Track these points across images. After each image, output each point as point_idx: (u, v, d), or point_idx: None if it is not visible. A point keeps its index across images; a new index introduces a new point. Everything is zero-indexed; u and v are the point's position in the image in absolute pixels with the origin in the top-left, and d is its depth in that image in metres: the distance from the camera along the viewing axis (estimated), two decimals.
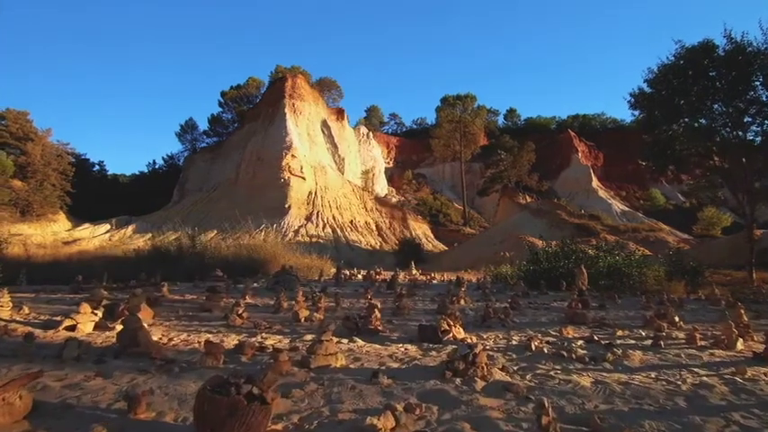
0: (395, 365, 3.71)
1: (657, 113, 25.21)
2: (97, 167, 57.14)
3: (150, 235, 35.50)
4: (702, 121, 24.58)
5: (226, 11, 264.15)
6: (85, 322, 5.74)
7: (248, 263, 17.39)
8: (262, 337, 5.01)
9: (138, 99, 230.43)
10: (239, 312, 6.41)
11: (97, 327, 5.79)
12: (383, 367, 3.63)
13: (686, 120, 24.75)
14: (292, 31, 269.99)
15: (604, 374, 3.53)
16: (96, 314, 6.02)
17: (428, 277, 19.91)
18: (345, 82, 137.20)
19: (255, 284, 13.45)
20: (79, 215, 43.43)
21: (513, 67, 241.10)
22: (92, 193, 47.58)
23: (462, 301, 9.26)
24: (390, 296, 10.20)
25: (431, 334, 4.68)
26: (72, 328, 5.65)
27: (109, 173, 60.28)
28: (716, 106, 24.06)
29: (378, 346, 4.53)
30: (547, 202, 46.62)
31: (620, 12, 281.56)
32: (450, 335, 4.68)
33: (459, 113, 61.85)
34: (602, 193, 63.72)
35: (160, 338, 4.95)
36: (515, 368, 3.65)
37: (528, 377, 3.40)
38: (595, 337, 4.85)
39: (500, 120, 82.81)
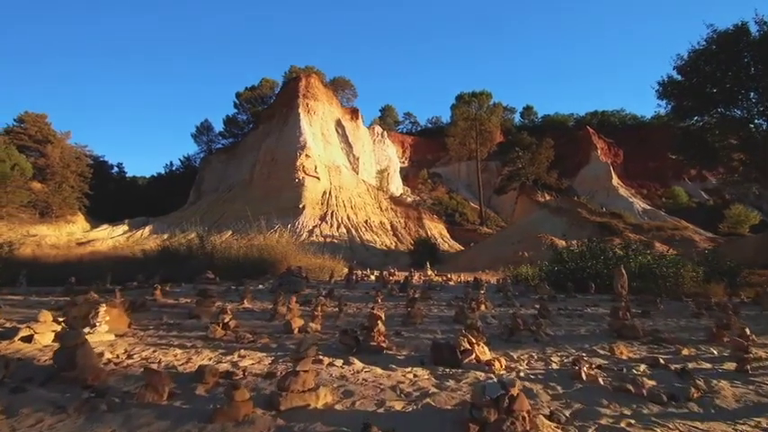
0: (398, 406, 2.69)
1: (687, 103, 23.75)
2: (116, 170, 58.05)
3: (167, 236, 35.38)
4: (737, 111, 23.01)
5: (240, 13, 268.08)
6: (44, 332, 4.93)
7: (259, 263, 16.75)
8: (239, 356, 4.05)
9: (156, 102, 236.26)
10: (225, 321, 5.50)
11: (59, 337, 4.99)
12: (381, 410, 2.62)
13: (720, 110, 23.20)
14: (306, 31, 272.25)
15: (699, 425, 2.42)
16: (60, 322, 5.24)
17: (444, 278, 18.89)
18: (359, 81, 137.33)
19: (261, 286, 12.69)
20: (98, 216, 43.89)
21: (528, 64, 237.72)
22: (110, 194, 48.16)
23: (483, 307, 8.22)
24: (403, 299, 9.23)
25: (447, 355, 3.68)
26: (29, 338, 4.87)
27: (128, 175, 61.11)
28: (751, 94, 22.46)
29: (379, 370, 3.54)
30: (566, 200, 44.79)
31: (639, 6, 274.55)
32: (473, 356, 3.66)
33: (474, 111, 60.35)
34: (622, 191, 61.56)
35: (117, 356, 4.08)
36: (568, 413, 2.55)
37: None
38: (661, 360, 3.75)
39: (516, 117, 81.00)
